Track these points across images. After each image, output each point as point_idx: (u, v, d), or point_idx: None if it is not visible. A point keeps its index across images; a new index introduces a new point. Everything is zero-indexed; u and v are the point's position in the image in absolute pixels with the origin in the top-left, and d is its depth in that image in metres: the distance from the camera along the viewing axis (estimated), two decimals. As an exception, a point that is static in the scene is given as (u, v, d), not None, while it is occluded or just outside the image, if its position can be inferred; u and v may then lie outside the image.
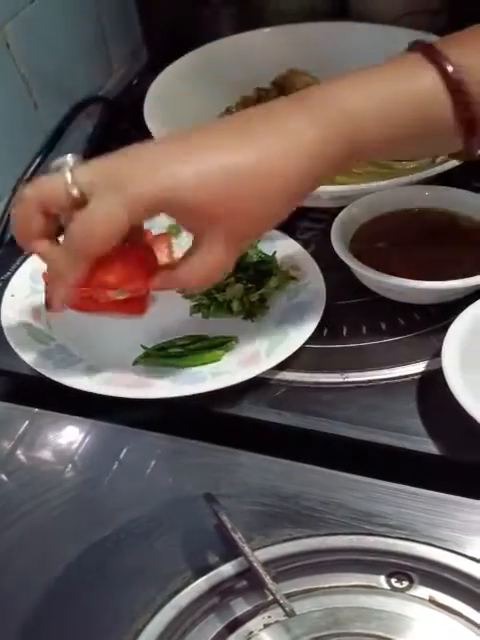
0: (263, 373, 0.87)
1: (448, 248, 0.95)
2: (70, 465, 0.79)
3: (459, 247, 0.95)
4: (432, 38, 1.14)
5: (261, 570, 0.64)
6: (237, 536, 0.66)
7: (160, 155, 0.70)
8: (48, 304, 0.81)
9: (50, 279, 0.77)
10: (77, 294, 0.78)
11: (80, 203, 0.68)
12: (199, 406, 0.86)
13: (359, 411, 0.85)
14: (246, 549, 0.65)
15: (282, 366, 0.88)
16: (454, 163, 0.98)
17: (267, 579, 0.64)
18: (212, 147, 0.70)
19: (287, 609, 0.63)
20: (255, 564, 0.65)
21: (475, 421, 0.76)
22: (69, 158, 0.71)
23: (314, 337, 0.90)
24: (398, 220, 0.98)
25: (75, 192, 0.68)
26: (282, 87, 1.19)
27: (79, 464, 0.79)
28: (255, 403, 0.87)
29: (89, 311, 0.86)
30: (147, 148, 0.72)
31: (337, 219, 0.94)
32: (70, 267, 0.72)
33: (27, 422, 0.84)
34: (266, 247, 0.99)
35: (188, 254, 0.74)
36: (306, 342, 0.89)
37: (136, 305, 0.86)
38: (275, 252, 0.98)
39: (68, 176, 0.69)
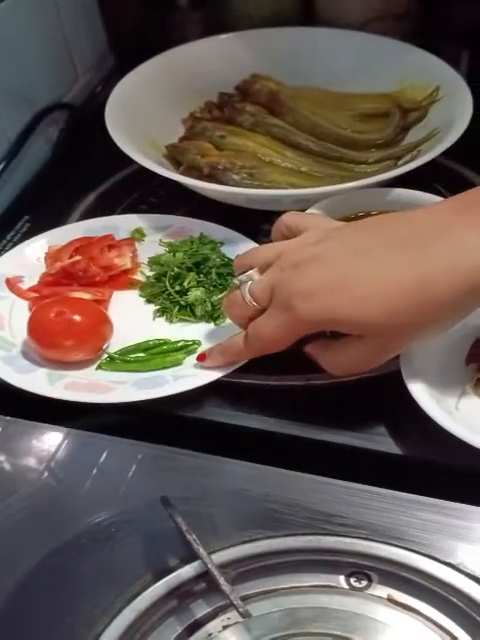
0: (226, 376, 0.87)
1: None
2: (28, 472, 0.79)
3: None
4: (399, 43, 1.17)
5: (216, 572, 0.64)
6: (192, 538, 0.66)
7: (326, 278, 0.75)
8: (202, 358, 0.88)
9: (222, 348, 0.86)
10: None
11: (261, 311, 0.79)
12: (166, 411, 0.86)
13: (322, 412, 0.86)
14: (201, 551, 0.65)
15: (245, 369, 0.88)
16: (414, 165, 0.98)
17: (221, 581, 0.64)
18: (385, 268, 0.73)
19: (241, 610, 0.63)
20: (210, 566, 0.65)
21: (433, 421, 0.77)
22: (242, 277, 0.81)
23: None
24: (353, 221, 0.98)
25: (255, 305, 0.79)
26: (246, 92, 1.19)
27: (38, 471, 0.79)
28: (219, 406, 0.87)
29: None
30: (316, 264, 0.76)
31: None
32: (238, 351, 0.84)
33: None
34: (229, 250, 1.00)
35: (341, 343, 0.79)
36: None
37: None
38: (237, 255, 0.98)
39: (246, 296, 0.80)
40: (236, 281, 0.82)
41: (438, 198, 0.98)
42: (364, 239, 0.76)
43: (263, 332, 0.79)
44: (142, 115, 1.12)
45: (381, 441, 0.83)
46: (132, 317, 0.96)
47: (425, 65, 1.14)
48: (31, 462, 0.80)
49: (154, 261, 0.99)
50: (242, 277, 0.81)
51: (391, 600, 0.68)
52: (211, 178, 1.06)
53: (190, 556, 0.68)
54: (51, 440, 0.82)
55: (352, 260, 0.75)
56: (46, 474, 0.78)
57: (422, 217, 0.75)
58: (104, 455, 0.80)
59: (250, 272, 0.81)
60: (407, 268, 0.72)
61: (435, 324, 0.75)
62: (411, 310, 0.72)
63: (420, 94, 1.15)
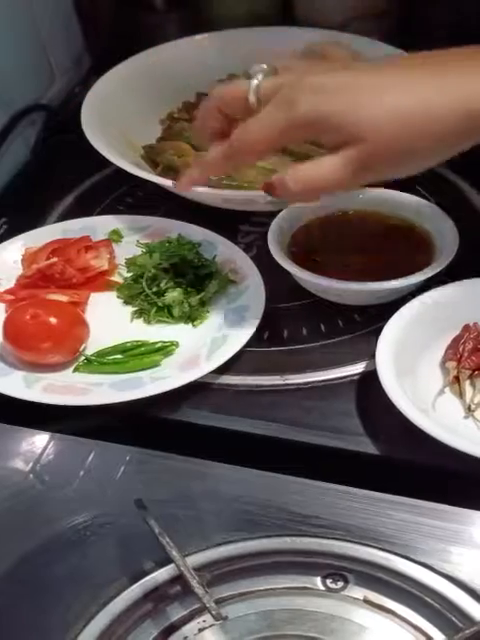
0: (203, 377, 0.87)
1: (383, 249, 0.96)
2: (8, 477, 0.79)
3: (394, 248, 0.96)
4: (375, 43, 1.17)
5: (188, 574, 0.64)
6: (165, 541, 0.66)
7: (337, 80, 0.74)
8: (177, 180, 0.88)
9: (196, 161, 0.87)
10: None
11: (254, 111, 0.76)
12: (144, 413, 0.87)
13: (299, 413, 0.86)
14: (174, 553, 0.65)
15: (223, 370, 0.88)
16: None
17: (194, 583, 0.64)
18: (395, 82, 0.74)
19: (214, 613, 0.63)
20: (183, 568, 0.65)
21: (410, 420, 0.77)
22: (263, 66, 0.79)
23: (255, 340, 0.91)
24: (335, 222, 0.99)
25: (252, 99, 0.77)
26: (222, 93, 1.19)
27: (19, 475, 0.79)
28: (196, 407, 0.87)
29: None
30: (330, 72, 0.76)
31: (274, 222, 0.95)
32: (216, 159, 0.81)
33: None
34: (206, 251, 1.00)
35: (315, 160, 0.76)
36: (247, 345, 0.90)
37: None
38: (215, 256, 0.98)
39: (253, 83, 0.77)
40: (250, 71, 0.80)
41: (412, 197, 0.99)
42: (379, 67, 0.77)
43: (252, 131, 0.76)
44: (119, 116, 1.12)
45: (358, 441, 0.83)
46: (110, 319, 0.96)
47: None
48: (11, 467, 0.80)
49: (131, 262, 0.99)
50: (254, 68, 0.80)
51: (367, 601, 0.68)
52: (188, 178, 1.05)
53: (165, 559, 0.68)
54: (29, 444, 0.82)
55: (365, 73, 0.75)
56: (24, 478, 0.78)
57: (435, 53, 0.75)
58: (82, 460, 0.80)
59: (262, 65, 0.80)
60: (414, 88, 0.72)
61: (426, 150, 0.75)
62: (414, 125, 0.72)
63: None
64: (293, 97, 0.73)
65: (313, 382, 0.89)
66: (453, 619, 0.65)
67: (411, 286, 0.89)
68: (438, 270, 0.89)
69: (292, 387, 0.88)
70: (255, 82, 0.77)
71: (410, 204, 0.98)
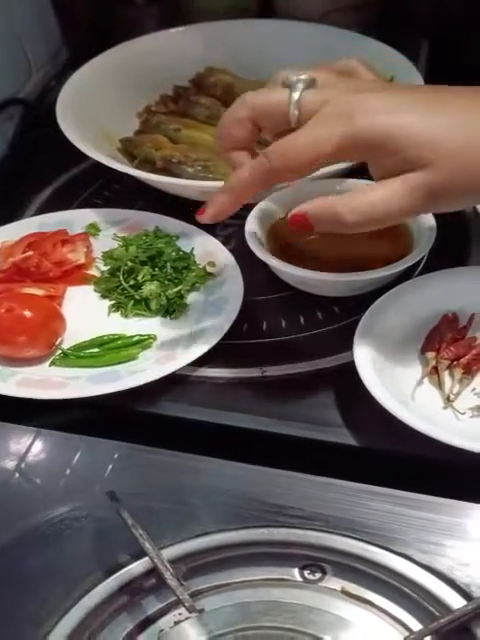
0: (182, 370, 0.87)
1: (361, 240, 0.95)
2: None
3: (371, 239, 0.95)
4: (351, 34, 1.17)
5: (162, 566, 0.64)
6: (138, 533, 0.65)
7: (395, 99, 0.69)
8: (200, 211, 0.79)
9: (223, 187, 0.76)
10: None
11: (295, 126, 0.70)
12: (121, 406, 0.86)
13: (277, 405, 0.86)
14: (147, 545, 0.65)
15: (201, 363, 0.88)
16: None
17: (167, 575, 0.63)
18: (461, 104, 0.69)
19: (187, 605, 0.62)
20: (156, 560, 0.64)
21: (388, 412, 0.76)
22: (303, 77, 0.71)
23: (234, 333, 0.90)
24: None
25: (294, 113, 0.70)
26: (201, 85, 1.19)
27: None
28: (175, 401, 0.87)
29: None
30: (393, 90, 0.71)
31: (251, 214, 0.95)
32: (250, 180, 0.73)
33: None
34: (184, 244, 0.99)
35: (371, 185, 0.71)
36: (226, 338, 0.89)
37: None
38: (193, 249, 0.98)
39: (295, 95, 0.70)
40: (279, 77, 0.74)
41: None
42: (434, 89, 0.72)
43: (299, 145, 0.69)
44: (95, 109, 1.12)
45: (338, 433, 0.83)
46: (87, 312, 0.96)
47: (379, 55, 1.13)
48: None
49: (108, 255, 0.99)
50: (293, 78, 0.71)
51: (345, 592, 0.68)
52: (165, 171, 1.06)
53: (140, 552, 0.68)
54: (14, 440, 0.81)
55: (424, 93, 0.71)
56: (7, 474, 0.78)
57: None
58: (55, 452, 0.80)
59: (302, 76, 0.71)
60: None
61: None
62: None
63: (374, 83, 1.13)
64: (350, 111, 0.67)
65: (292, 374, 0.88)
66: (431, 609, 0.65)
67: (389, 277, 0.89)
68: (415, 260, 0.89)
69: (271, 379, 0.88)
70: (297, 94, 0.70)
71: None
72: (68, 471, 0.77)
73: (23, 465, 0.79)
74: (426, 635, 0.62)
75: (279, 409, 0.85)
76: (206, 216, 0.77)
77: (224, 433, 0.85)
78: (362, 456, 0.82)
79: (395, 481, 0.75)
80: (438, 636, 0.63)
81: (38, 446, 0.80)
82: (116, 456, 0.79)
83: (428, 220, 0.92)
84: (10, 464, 0.79)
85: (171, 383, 0.87)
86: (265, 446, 0.84)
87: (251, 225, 0.93)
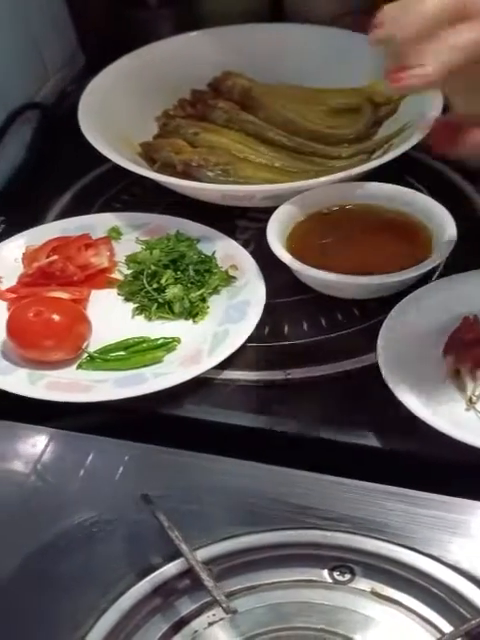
0: (206, 373, 0.87)
1: (382, 243, 0.96)
2: (13, 474, 0.79)
3: (392, 241, 0.96)
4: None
5: (199, 568, 0.65)
6: (174, 534, 0.66)
7: None
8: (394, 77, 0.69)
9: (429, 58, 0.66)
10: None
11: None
12: (147, 409, 0.87)
13: (302, 407, 0.86)
14: (183, 547, 0.66)
15: (225, 365, 0.89)
16: (386, 159, 1.00)
17: (204, 576, 0.64)
18: None
19: (225, 606, 0.63)
20: (193, 562, 0.65)
21: (412, 413, 0.77)
22: None
23: (256, 335, 0.91)
24: (333, 217, 1.00)
25: None
26: (218, 89, 1.19)
27: (24, 473, 0.79)
28: (199, 403, 0.87)
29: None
30: None
31: (272, 218, 0.95)
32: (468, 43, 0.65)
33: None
34: (205, 247, 1.00)
35: None
36: (249, 341, 0.90)
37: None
38: (214, 252, 0.99)
39: None
40: None
41: (409, 191, 1.00)
42: None
43: None
44: (115, 113, 1.12)
45: (361, 434, 0.83)
46: (111, 316, 0.96)
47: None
48: (13, 462, 0.80)
49: (131, 259, 1.00)
50: None
51: (374, 593, 0.68)
52: (185, 175, 1.06)
53: (173, 553, 0.68)
54: (35, 440, 0.82)
55: None
56: (32, 475, 0.78)
57: None
58: (87, 455, 0.80)
59: None
60: None
61: None
62: None
63: (391, 88, 1.14)
64: None
65: (315, 376, 0.89)
66: (460, 610, 0.66)
67: (410, 280, 0.90)
68: (437, 263, 0.90)
69: (294, 381, 0.89)
70: None
71: (407, 197, 0.99)
72: (82, 473, 0.78)
73: (39, 466, 0.79)
74: (457, 637, 0.63)
75: (303, 411, 0.86)
76: (404, 84, 0.68)
77: (248, 435, 0.86)
78: (386, 458, 0.83)
79: (419, 482, 0.75)
80: (469, 638, 0.64)
81: (54, 447, 0.81)
82: (137, 458, 0.79)
83: (448, 223, 0.93)
84: (28, 466, 0.79)
85: (194, 385, 0.87)
86: (289, 448, 0.85)
87: (273, 228, 0.94)
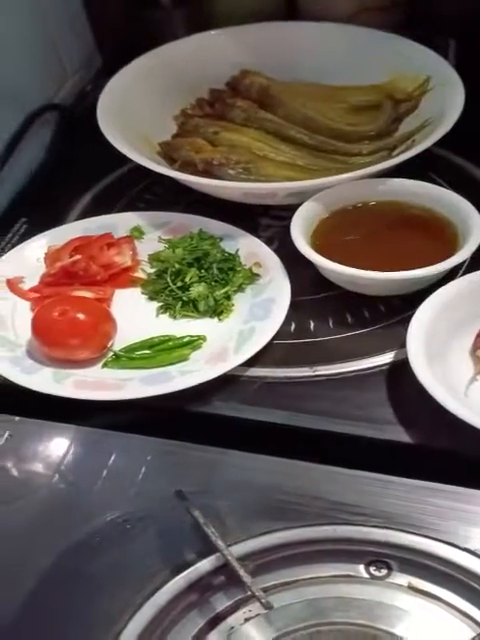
0: (232, 370, 0.87)
1: (406, 239, 0.96)
2: (39, 472, 0.79)
3: (416, 237, 0.96)
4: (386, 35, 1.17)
5: (236, 564, 0.64)
6: (210, 531, 0.66)
7: None
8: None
9: None
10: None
11: None
12: (173, 406, 0.86)
13: (330, 403, 0.86)
14: (219, 543, 0.65)
15: (252, 363, 0.88)
16: (408, 156, 0.99)
17: (242, 572, 0.64)
18: None
19: (263, 601, 0.63)
20: (229, 558, 0.65)
21: (443, 408, 0.76)
22: None
23: (282, 333, 0.91)
24: (357, 214, 0.99)
25: None
26: (236, 88, 1.19)
27: (49, 470, 0.79)
28: (227, 400, 0.87)
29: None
30: None
31: (296, 215, 0.95)
32: None
33: (8, 432, 0.83)
34: (228, 246, 0.99)
35: None
36: (274, 338, 0.90)
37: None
38: (238, 250, 0.98)
39: None
40: None
41: (433, 186, 0.99)
42: None
43: None
44: (134, 113, 1.12)
45: (391, 430, 0.83)
46: (135, 314, 0.96)
47: (414, 55, 1.14)
48: (42, 461, 0.80)
49: (154, 258, 0.99)
50: None
51: (412, 588, 0.68)
52: (206, 174, 1.05)
53: (207, 550, 0.68)
54: (62, 438, 0.82)
55: None
56: (57, 474, 0.78)
57: None
58: (114, 453, 0.80)
59: None
60: None
61: None
62: None
63: (411, 85, 1.14)
64: None
65: (343, 372, 0.88)
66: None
67: (437, 276, 0.89)
68: (464, 259, 0.89)
69: (322, 378, 0.88)
70: None
71: (432, 193, 0.98)
72: (107, 470, 0.78)
73: (66, 465, 0.80)
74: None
75: (332, 407, 0.85)
76: None
77: (276, 432, 0.85)
78: (418, 453, 0.82)
79: (452, 477, 0.75)
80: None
81: (79, 445, 0.81)
82: (164, 454, 0.80)
83: (474, 219, 0.92)
84: (55, 464, 0.80)
85: (222, 383, 0.87)
86: (319, 444, 0.84)
87: (297, 224, 0.93)
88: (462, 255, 0.89)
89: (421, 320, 0.85)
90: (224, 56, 1.21)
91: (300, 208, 0.95)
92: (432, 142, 0.99)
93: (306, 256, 0.91)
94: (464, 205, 0.95)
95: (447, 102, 1.04)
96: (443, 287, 0.88)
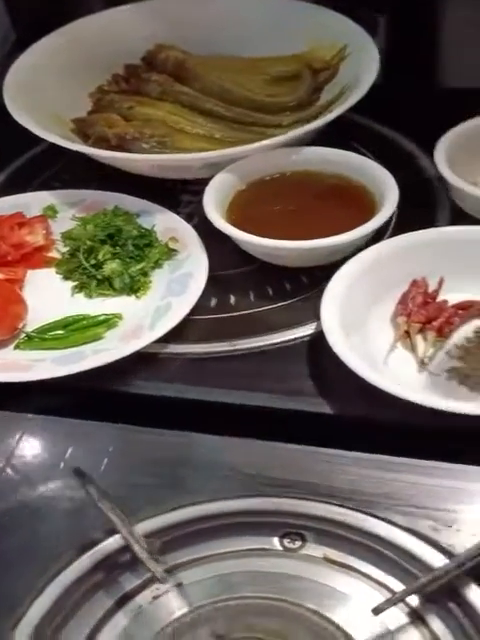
0: (151, 348, 0.86)
1: (324, 208, 0.95)
2: None
3: (335, 207, 0.95)
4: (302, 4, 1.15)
5: (132, 540, 0.63)
6: (107, 507, 0.64)
7: None
8: None
9: None
10: None
11: None
12: (93, 387, 0.85)
13: (250, 377, 0.85)
14: (115, 519, 0.64)
15: (172, 339, 0.87)
16: (320, 123, 0.98)
17: (137, 548, 0.62)
18: None
19: (159, 577, 0.61)
20: (126, 534, 0.63)
21: (359, 377, 0.75)
22: None
23: (202, 308, 0.90)
24: (274, 185, 0.98)
25: None
26: (152, 62, 1.17)
27: None
28: (147, 379, 0.86)
29: None
30: None
31: (208, 187, 0.94)
32: None
33: None
34: (146, 222, 0.98)
35: None
36: (194, 314, 0.89)
37: None
38: (154, 226, 0.96)
39: None
40: None
41: (349, 154, 0.98)
42: None
43: None
44: (44, 91, 1.09)
45: (311, 402, 0.82)
46: (50, 295, 0.94)
47: (330, 23, 1.13)
48: None
49: (66, 236, 0.97)
50: None
51: (327, 559, 0.67)
52: (120, 149, 1.03)
53: (114, 528, 0.66)
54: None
55: None
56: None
57: None
58: (18, 435, 0.78)
59: None
60: None
61: None
62: None
63: (328, 53, 1.13)
64: None
65: (263, 346, 0.87)
66: (415, 571, 0.64)
67: (353, 242, 0.88)
68: (378, 225, 0.87)
69: (243, 352, 0.87)
70: None
71: (346, 160, 0.97)
72: (18, 451, 0.77)
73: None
74: (408, 595, 0.61)
75: (252, 381, 0.84)
76: None
77: (197, 408, 0.84)
78: (338, 424, 0.81)
79: (373, 446, 0.74)
80: (424, 598, 0.62)
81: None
82: (84, 434, 0.78)
83: (389, 184, 0.91)
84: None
85: (141, 361, 0.86)
86: (239, 418, 0.83)
87: (210, 197, 0.92)
88: (376, 221, 0.88)
89: (334, 290, 0.84)
90: (139, 31, 1.19)
91: (212, 180, 0.94)
92: (346, 108, 0.98)
93: (220, 229, 0.89)
94: (380, 172, 0.94)
95: (363, 68, 1.03)
96: (358, 255, 0.87)
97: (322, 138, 1.00)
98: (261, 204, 0.95)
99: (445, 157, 0.95)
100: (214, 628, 0.59)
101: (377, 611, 0.60)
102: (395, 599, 0.60)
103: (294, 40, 1.15)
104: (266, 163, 0.97)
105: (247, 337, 0.88)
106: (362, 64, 1.04)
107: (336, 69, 1.11)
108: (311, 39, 1.13)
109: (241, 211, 0.94)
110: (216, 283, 0.92)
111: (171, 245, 0.94)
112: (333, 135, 1.00)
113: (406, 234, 0.89)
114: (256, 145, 0.95)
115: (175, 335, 0.87)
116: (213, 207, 0.90)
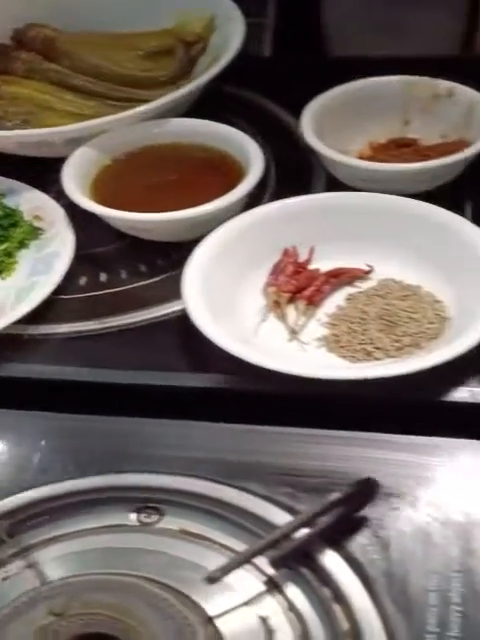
0: (14, 329, 0.84)
1: (193, 180, 0.94)
2: None
3: (204, 178, 0.93)
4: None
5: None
6: None
7: None
8: None
9: None
10: None
11: None
12: None
13: (119, 355, 0.84)
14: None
15: (39, 320, 0.86)
16: (182, 92, 0.97)
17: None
18: None
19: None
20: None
21: (222, 349, 0.74)
22: None
23: (71, 287, 0.89)
24: (140, 158, 0.97)
25: None
26: (21, 41, 1.14)
27: None
28: (10, 360, 0.84)
29: None
30: None
31: (67, 162, 0.92)
32: None
33: None
34: (12, 201, 0.96)
35: None
36: (62, 293, 0.88)
37: None
38: (19, 205, 0.95)
39: None
40: None
41: (214, 123, 0.97)
42: None
43: None
44: None
45: (181, 377, 0.81)
46: None
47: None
48: None
49: None
50: None
51: (183, 531, 0.66)
52: (-15, 129, 1.01)
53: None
54: None
55: None
56: None
57: None
58: None
59: None
60: None
61: None
62: None
63: (198, 25, 1.12)
64: None
65: (133, 323, 0.86)
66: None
67: (217, 214, 0.86)
68: (242, 194, 0.87)
69: (112, 330, 0.86)
70: None
71: (215, 131, 0.96)
72: None
73: None
74: (250, 556, 0.61)
75: (119, 359, 0.83)
76: None
77: (66, 388, 0.82)
78: (208, 397, 0.80)
79: (247, 418, 0.74)
80: (278, 564, 0.61)
81: None
82: None
83: (253, 151, 0.91)
84: None
85: (10, 343, 0.85)
86: (105, 397, 0.81)
87: (69, 172, 0.90)
88: (240, 191, 0.86)
89: (200, 261, 0.83)
90: (8, 10, 1.16)
91: (72, 155, 0.92)
92: (211, 76, 0.98)
93: (78, 204, 0.87)
94: (245, 140, 0.93)
95: (230, 36, 1.03)
96: (224, 225, 0.85)
97: (195, 109, 1.00)
98: (129, 178, 0.94)
99: (313, 125, 0.94)
100: (51, 606, 0.57)
101: (213, 577, 0.59)
102: (235, 562, 0.59)
103: (163, 14, 1.13)
104: (132, 136, 0.96)
105: (117, 315, 0.87)
106: (230, 34, 1.03)
107: (207, 41, 1.10)
108: (179, 12, 1.12)
109: (107, 186, 0.93)
110: (87, 261, 0.91)
111: (36, 224, 0.93)
112: (217, 111, 1.00)
113: (274, 202, 0.89)
114: (116, 116, 0.94)
115: (43, 316, 0.86)
116: (72, 182, 0.89)
